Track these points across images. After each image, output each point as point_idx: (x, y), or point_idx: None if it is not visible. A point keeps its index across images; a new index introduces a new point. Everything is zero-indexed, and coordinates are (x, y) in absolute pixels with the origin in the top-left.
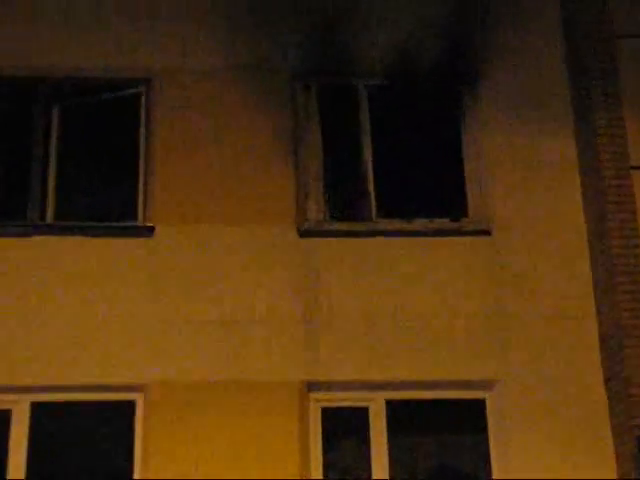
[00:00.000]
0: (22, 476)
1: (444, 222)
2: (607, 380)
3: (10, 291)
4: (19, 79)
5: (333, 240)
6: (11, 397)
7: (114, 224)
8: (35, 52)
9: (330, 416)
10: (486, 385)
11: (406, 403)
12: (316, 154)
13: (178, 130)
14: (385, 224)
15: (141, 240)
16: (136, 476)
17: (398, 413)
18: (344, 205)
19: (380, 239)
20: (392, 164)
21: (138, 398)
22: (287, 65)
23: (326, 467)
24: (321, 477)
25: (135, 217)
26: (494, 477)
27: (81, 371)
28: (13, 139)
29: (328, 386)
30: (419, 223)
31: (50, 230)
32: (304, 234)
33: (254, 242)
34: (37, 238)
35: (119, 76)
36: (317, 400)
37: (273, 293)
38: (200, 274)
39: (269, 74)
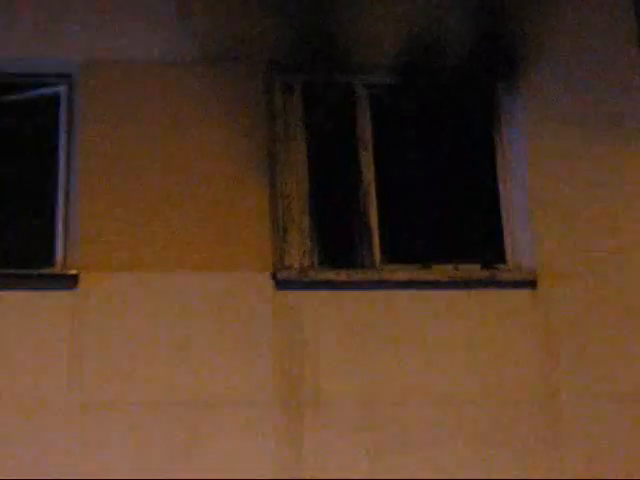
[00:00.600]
0: None
1: (473, 269)
2: None
3: None
4: None
5: (322, 293)
6: None
7: (25, 271)
8: None
9: None
10: None
11: None
12: (300, 177)
13: (109, 144)
14: (393, 272)
15: (60, 293)
16: None
17: None
18: (337, 246)
19: (386, 292)
20: (402, 190)
21: None
22: (261, 58)
23: None
24: None
25: (53, 263)
26: None
27: None
28: None
29: None
30: (439, 271)
31: None
32: (283, 285)
33: (215, 296)
34: None
35: (32, 71)
36: None
37: (239, 366)
38: (138, 337)
39: (236, 70)
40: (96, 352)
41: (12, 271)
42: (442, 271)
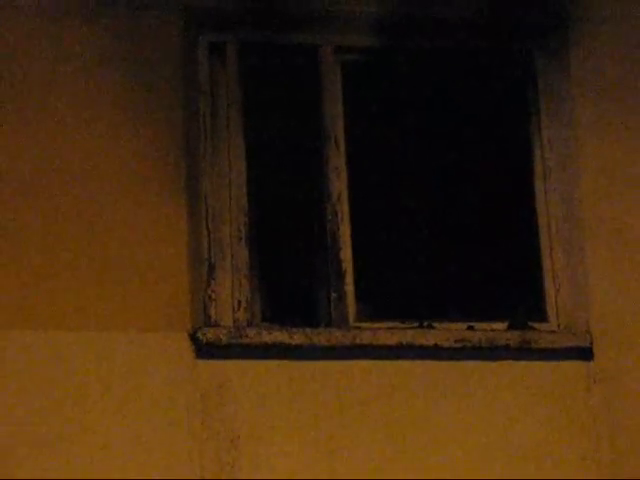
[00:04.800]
0: None
1: (496, 330)
2: None
3: None
4: None
5: (268, 364)
6: None
7: None
8: None
9: None
10: None
11: None
12: (235, 186)
13: None
14: (374, 333)
15: None
16: None
17: None
18: (290, 293)
19: (364, 363)
20: (388, 207)
21: None
22: (179, 6)
23: None
24: None
25: None
26: None
27: None
28: None
29: None
30: (444, 332)
31: None
32: (207, 351)
33: (107, 365)
34: None
35: None
36: None
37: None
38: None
39: (141, 24)
40: None
41: None
42: (449, 332)
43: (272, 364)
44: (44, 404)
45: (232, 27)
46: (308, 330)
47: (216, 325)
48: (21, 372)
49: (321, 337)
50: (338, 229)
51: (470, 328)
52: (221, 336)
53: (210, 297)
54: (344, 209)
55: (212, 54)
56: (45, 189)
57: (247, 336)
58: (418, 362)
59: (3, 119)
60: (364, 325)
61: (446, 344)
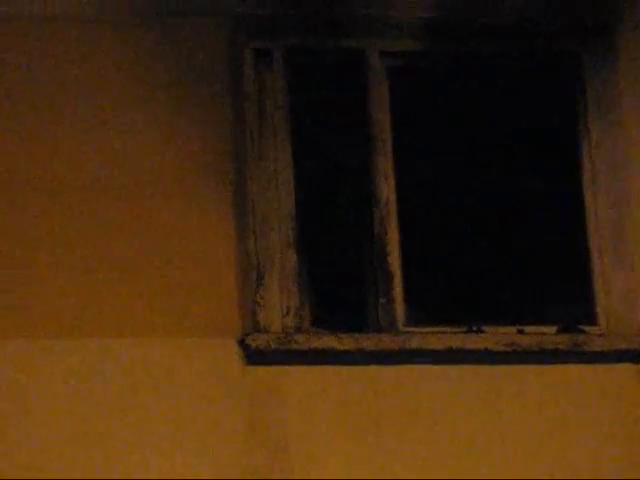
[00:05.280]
0: None
1: (546, 334)
2: None
3: None
4: None
5: (316, 370)
6: None
7: None
8: None
9: None
10: None
11: None
12: (282, 191)
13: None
14: (424, 338)
15: None
16: None
17: None
18: (339, 299)
19: (413, 368)
20: (437, 213)
21: None
22: (222, 11)
23: None
24: None
25: None
26: None
27: None
28: None
29: None
30: (493, 336)
31: None
32: (257, 357)
33: (159, 371)
34: None
35: None
36: None
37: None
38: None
39: (189, 31)
40: None
41: None
42: (499, 336)
43: (321, 370)
44: (96, 409)
45: (278, 33)
46: (357, 335)
47: (265, 331)
48: (76, 378)
49: (370, 342)
50: (386, 234)
51: (520, 332)
52: (270, 342)
53: (259, 303)
54: (392, 214)
55: (258, 60)
56: (99, 196)
57: (296, 342)
58: (468, 367)
59: (62, 127)
60: (413, 330)
61: (496, 348)
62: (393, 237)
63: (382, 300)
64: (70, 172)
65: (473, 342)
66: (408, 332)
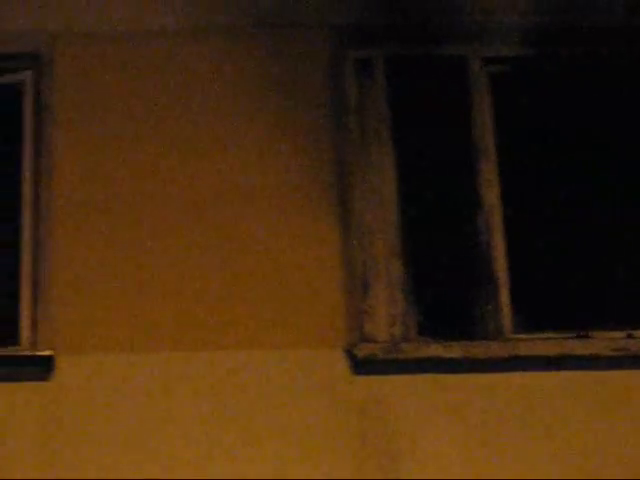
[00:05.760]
0: None
1: None
2: None
3: None
4: None
5: (425, 378)
6: None
7: None
8: None
9: None
10: None
11: None
12: (386, 200)
13: (94, 156)
14: (532, 345)
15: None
16: None
17: None
18: (444, 307)
19: (522, 375)
20: (542, 219)
21: None
22: (323, 22)
23: None
24: None
25: (16, 340)
26: None
27: None
28: None
29: None
30: (602, 341)
31: None
32: (364, 367)
33: (260, 384)
34: None
35: None
36: None
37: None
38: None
39: (290, 41)
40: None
41: None
42: (608, 341)
43: (428, 378)
44: (207, 418)
45: (378, 42)
46: (464, 343)
47: (372, 341)
48: (185, 388)
49: (478, 350)
50: (492, 240)
51: (629, 336)
52: (377, 352)
53: (365, 312)
54: (497, 220)
55: (359, 70)
56: (209, 209)
57: (403, 351)
58: (577, 372)
59: (177, 143)
60: (520, 336)
61: (604, 353)
62: (498, 243)
63: (489, 307)
64: (183, 184)
65: (582, 347)
66: (516, 339)
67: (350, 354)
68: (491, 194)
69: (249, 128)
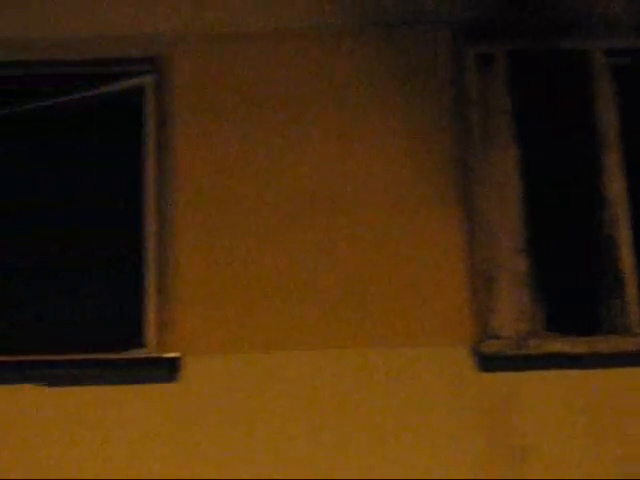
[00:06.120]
0: None
1: None
2: None
3: None
4: None
5: (552, 374)
6: None
7: (103, 356)
8: None
9: None
10: None
11: None
12: (509, 195)
13: (218, 161)
14: None
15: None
16: None
17: None
18: (569, 303)
19: None
20: None
21: None
22: (446, 17)
23: None
24: None
25: (142, 342)
26: None
27: None
28: None
29: None
30: None
31: None
32: (490, 363)
33: (387, 381)
34: None
35: (101, 56)
36: None
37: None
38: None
39: (410, 38)
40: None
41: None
42: None
43: (555, 374)
44: (330, 415)
45: (499, 37)
46: (590, 338)
47: (498, 337)
48: (311, 385)
49: (604, 345)
50: (617, 234)
51: None
52: (504, 348)
53: (491, 309)
54: (622, 214)
55: (480, 64)
56: (332, 207)
57: (529, 347)
58: None
59: (297, 145)
60: None
61: None
62: (624, 238)
63: (615, 302)
64: (310, 184)
65: None
66: None
67: (476, 351)
68: (616, 188)
69: (372, 125)
